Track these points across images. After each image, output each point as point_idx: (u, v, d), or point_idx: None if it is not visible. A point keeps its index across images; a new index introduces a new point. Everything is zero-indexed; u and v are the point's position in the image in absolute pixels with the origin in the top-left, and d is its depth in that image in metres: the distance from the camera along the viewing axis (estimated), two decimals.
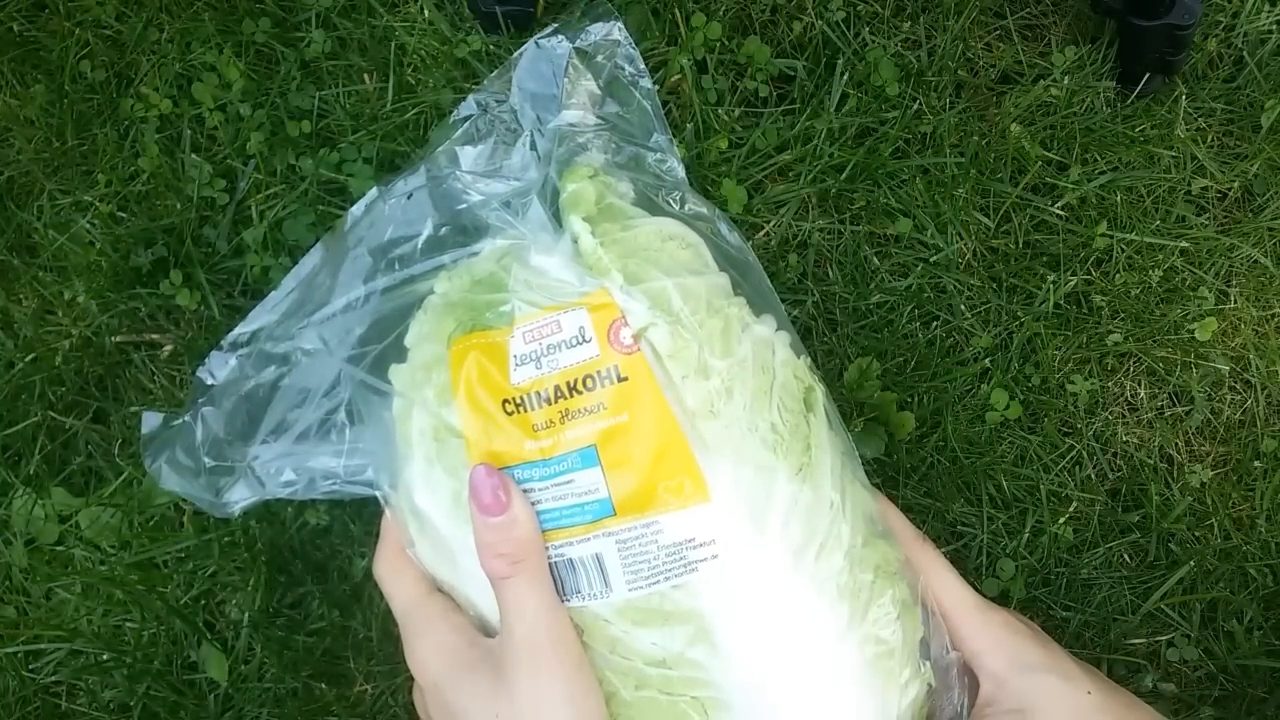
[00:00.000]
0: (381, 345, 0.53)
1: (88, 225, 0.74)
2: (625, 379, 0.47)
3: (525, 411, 0.47)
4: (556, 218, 0.52)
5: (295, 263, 0.72)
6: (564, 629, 0.46)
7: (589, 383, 0.47)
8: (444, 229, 0.55)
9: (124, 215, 0.74)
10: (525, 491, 0.47)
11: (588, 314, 0.48)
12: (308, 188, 0.73)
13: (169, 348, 0.73)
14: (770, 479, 0.47)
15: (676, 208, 0.54)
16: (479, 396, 0.48)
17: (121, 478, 0.71)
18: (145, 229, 0.73)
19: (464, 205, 0.54)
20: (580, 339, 0.48)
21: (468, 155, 0.56)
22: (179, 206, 0.74)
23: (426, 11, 0.75)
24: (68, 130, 0.76)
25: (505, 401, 0.47)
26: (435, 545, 0.49)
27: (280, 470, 0.54)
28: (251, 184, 0.74)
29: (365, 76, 0.75)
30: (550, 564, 0.47)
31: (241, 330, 0.59)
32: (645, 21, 0.75)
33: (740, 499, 0.47)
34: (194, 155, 0.75)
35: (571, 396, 0.47)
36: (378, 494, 0.52)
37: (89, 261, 0.73)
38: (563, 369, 0.47)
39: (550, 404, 0.47)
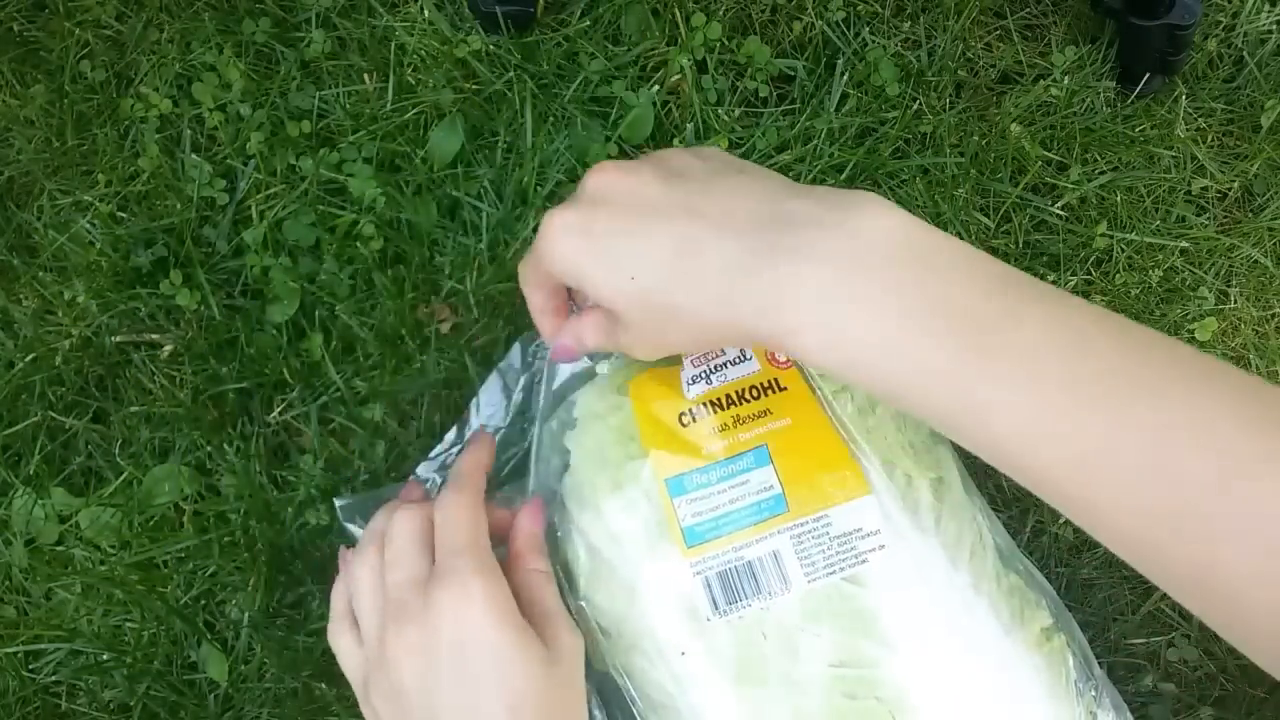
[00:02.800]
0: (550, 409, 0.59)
1: (88, 225, 0.74)
2: (785, 389, 0.53)
3: (700, 420, 0.52)
4: None
5: (295, 263, 0.73)
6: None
7: (754, 392, 0.53)
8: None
9: (124, 215, 0.74)
10: (705, 497, 0.50)
11: None
12: (308, 188, 0.73)
13: (169, 348, 0.73)
14: (918, 484, 0.52)
15: None
16: (658, 414, 0.53)
17: (121, 478, 0.71)
18: (145, 229, 0.73)
19: None
20: (742, 358, 0.54)
21: None
22: (179, 206, 0.74)
23: (426, 11, 0.75)
24: (68, 130, 0.76)
25: (682, 414, 0.53)
26: (612, 584, 0.52)
27: None
28: (251, 184, 0.74)
29: (365, 76, 0.75)
30: (729, 570, 0.50)
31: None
32: (645, 21, 0.75)
33: (897, 494, 0.51)
34: (194, 155, 0.75)
35: (741, 404, 0.52)
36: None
37: (89, 261, 0.73)
38: (730, 381, 0.53)
39: (723, 409, 0.53)
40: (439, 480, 0.65)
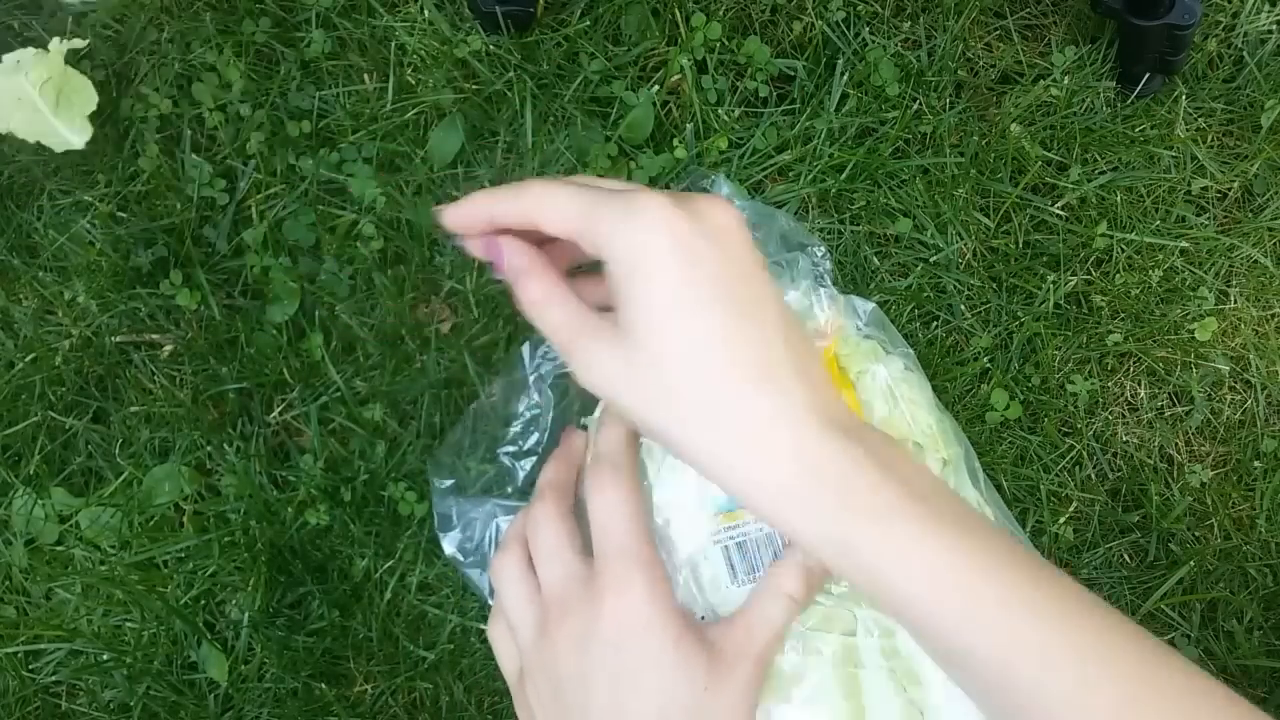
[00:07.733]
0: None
1: (88, 225, 0.74)
2: None
3: None
4: None
5: (295, 263, 0.73)
6: None
7: None
8: None
9: (124, 215, 0.74)
10: None
11: None
12: (308, 188, 0.73)
13: (169, 348, 0.73)
14: (928, 459, 0.55)
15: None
16: None
17: (121, 478, 0.71)
18: (145, 229, 0.73)
19: None
20: None
21: None
22: (179, 206, 0.74)
23: (426, 11, 0.75)
24: None
25: None
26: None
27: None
28: (251, 184, 0.74)
29: (365, 76, 0.75)
30: (741, 542, 0.52)
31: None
32: (645, 21, 0.75)
33: None
34: (194, 155, 0.75)
35: None
36: None
37: (89, 261, 0.73)
38: None
39: None
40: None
